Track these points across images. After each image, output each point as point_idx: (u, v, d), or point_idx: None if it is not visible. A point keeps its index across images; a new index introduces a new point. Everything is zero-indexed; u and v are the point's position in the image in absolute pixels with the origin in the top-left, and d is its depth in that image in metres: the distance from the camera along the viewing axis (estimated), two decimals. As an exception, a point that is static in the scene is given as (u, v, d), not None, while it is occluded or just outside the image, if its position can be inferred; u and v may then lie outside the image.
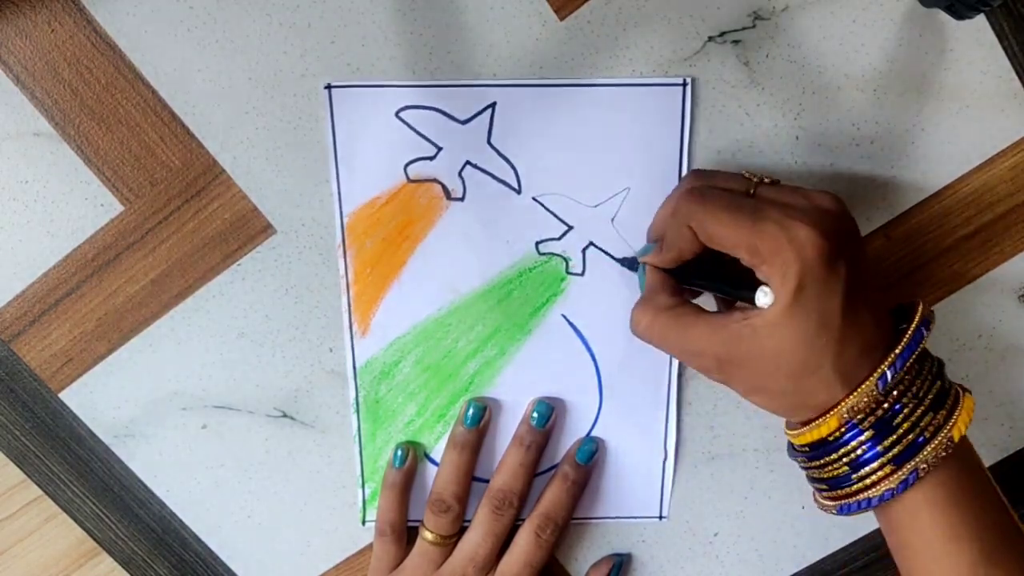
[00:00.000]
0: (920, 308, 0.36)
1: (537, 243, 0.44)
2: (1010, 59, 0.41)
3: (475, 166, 0.42)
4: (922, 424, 0.34)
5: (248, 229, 0.43)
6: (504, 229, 0.43)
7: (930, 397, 0.35)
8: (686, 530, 0.48)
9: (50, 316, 0.44)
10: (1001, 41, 0.41)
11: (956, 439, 0.34)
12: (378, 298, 0.44)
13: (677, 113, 0.41)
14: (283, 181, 0.43)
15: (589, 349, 0.45)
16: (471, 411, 0.44)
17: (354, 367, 0.45)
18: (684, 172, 0.42)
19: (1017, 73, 0.41)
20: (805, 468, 0.38)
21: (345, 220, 0.43)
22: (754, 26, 0.40)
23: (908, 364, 0.34)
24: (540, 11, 0.40)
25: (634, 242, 0.43)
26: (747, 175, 0.38)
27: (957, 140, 0.42)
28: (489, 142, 0.42)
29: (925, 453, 0.34)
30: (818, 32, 0.40)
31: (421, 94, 0.41)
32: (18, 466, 0.47)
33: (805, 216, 0.33)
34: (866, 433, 0.35)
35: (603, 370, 0.45)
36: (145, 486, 0.47)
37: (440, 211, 0.43)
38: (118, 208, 0.43)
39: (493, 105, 0.41)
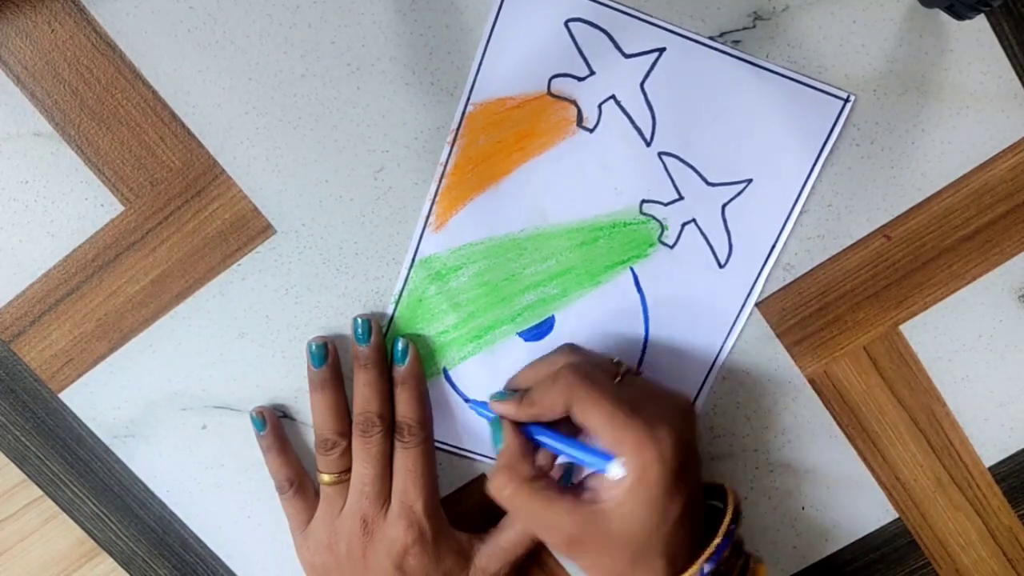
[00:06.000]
0: (731, 500, 0.40)
1: (643, 201, 0.43)
2: (1010, 59, 0.41)
3: (618, 103, 0.41)
4: None
5: (248, 229, 0.43)
6: (618, 175, 0.42)
7: (736, 571, 0.39)
8: (686, 530, 0.48)
9: (50, 316, 0.44)
10: (1001, 41, 0.41)
11: None
12: (467, 198, 0.43)
13: (828, 125, 0.41)
14: (283, 181, 0.43)
15: (647, 323, 0.44)
16: (313, 352, 0.44)
17: (413, 258, 0.43)
18: (810, 184, 0.42)
19: (1017, 73, 0.41)
20: None
21: (468, 109, 0.42)
22: (754, 26, 0.40)
23: (725, 553, 0.38)
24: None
25: (736, 234, 0.43)
26: (615, 362, 0.41)
27: (957, 140, 0.42)
28: (642, 85, 0.41)
29: None
30: (818, 32, 0.40)
31: (596, 11, 0.40)
32: (18, 466, 0.47)
33: (670, 420, 0.38)
34: None
35: (649, 348, 0.44)
36: (145, 486, 0.47)
37: (565, 134, 0.42)
38: (118, 208, 0.43)
39: (662, 50, 0.40)
